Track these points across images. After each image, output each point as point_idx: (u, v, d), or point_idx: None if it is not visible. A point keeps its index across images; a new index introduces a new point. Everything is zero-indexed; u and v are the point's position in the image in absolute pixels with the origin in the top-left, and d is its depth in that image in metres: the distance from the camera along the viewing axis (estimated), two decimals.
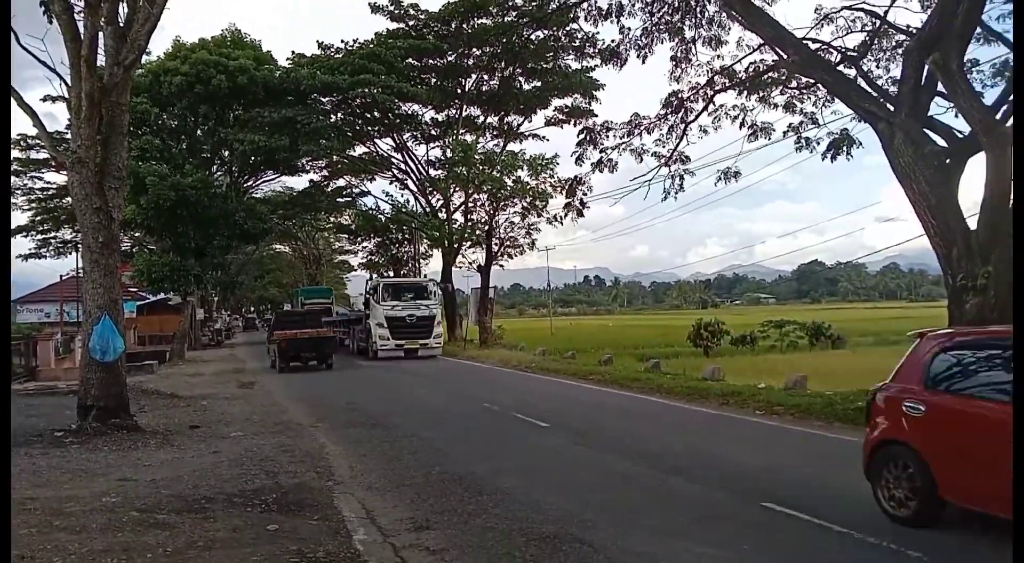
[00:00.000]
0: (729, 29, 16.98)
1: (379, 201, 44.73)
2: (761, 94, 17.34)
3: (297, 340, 28.15)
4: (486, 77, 38.07)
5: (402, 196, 42.28)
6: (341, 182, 46.37)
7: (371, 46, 35.50)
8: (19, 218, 47.68)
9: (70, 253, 47.60)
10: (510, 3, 33.20)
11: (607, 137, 18.43)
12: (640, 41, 17.45)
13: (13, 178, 42.72)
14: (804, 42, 14.31)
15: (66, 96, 13.21)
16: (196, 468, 9.63)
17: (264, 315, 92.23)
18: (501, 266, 38.95)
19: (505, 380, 22.53)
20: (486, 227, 37.16)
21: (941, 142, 12.58)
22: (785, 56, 14.51)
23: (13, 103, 11.92)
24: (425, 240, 40.77)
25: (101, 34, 12.53)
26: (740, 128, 17.45)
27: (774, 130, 17.49)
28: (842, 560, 5.88)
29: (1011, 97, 12.73)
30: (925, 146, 12.16)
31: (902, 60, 13.60)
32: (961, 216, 11.95)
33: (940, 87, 12.60)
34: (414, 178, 40.76)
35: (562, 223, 34.70)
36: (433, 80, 38.20)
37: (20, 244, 48.55)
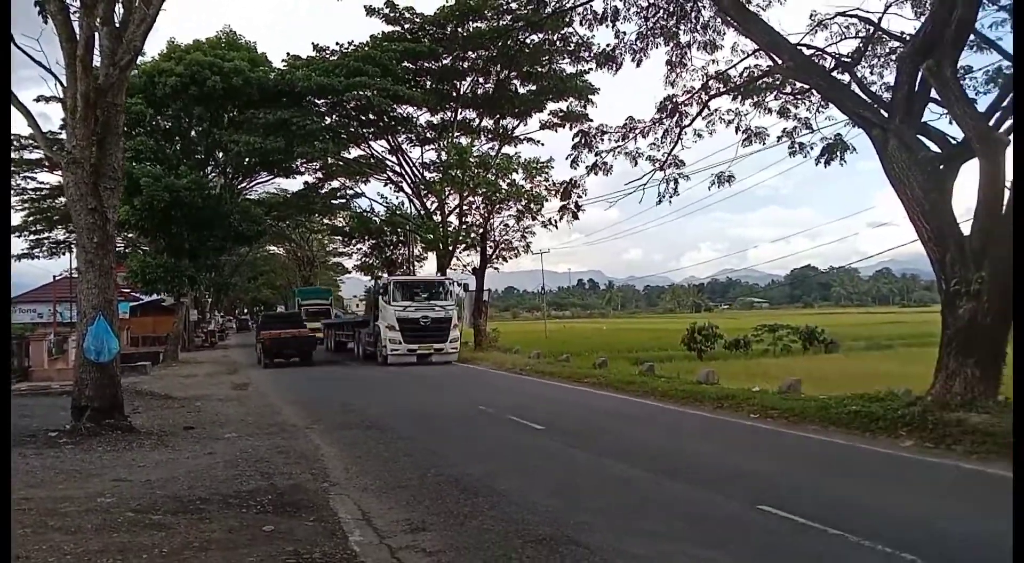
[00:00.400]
0: (724, 34, 17.08)
1: (373, 203, 44.78)
2: (756, 99, 17.41)
3: (280, 339, 31.69)
4: (481, 80, 38.08)
5: (397, 198, 42.29)
6: (335, 184, 46.37)
7: (366, 49, 35.45)
8: (12, 218, 47.57)
9: (63, 253, 47.51)
10: (505, 7, 33.19)
11: (602, 141, 18.45)
12: (635, 45, 17.50)
13: None
14: (799, 48, 14.38)
15: (61, 96, 13.19)
16: (191, 469, 9.62)
17: (258, 317, 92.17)
18: (496, 269, 38.95)
19: (500, 383, 22.55)
20: (481, 230, 37.16)
21: (935, 148, 12.66)
22: (780, 62, 14.58)
23: None
24: (420, 242, 40.70)
25: (97, 35, 12.52)
26: (735, 133, 17.54)
27: (768, 135, 17.58)
28: None
29: (1010, 96, 12.87)
30: (919, 152, 12.25)
31: (896, 66, 13.70)
32: (955, 221, 12.03)
33: (934, 93, 12.68)
34: (409, 180, 40.77)
35: (557, 226, 34.73)
36: (428, 83, 38.19)
37: (13, 244, 48.40)
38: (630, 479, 9.07)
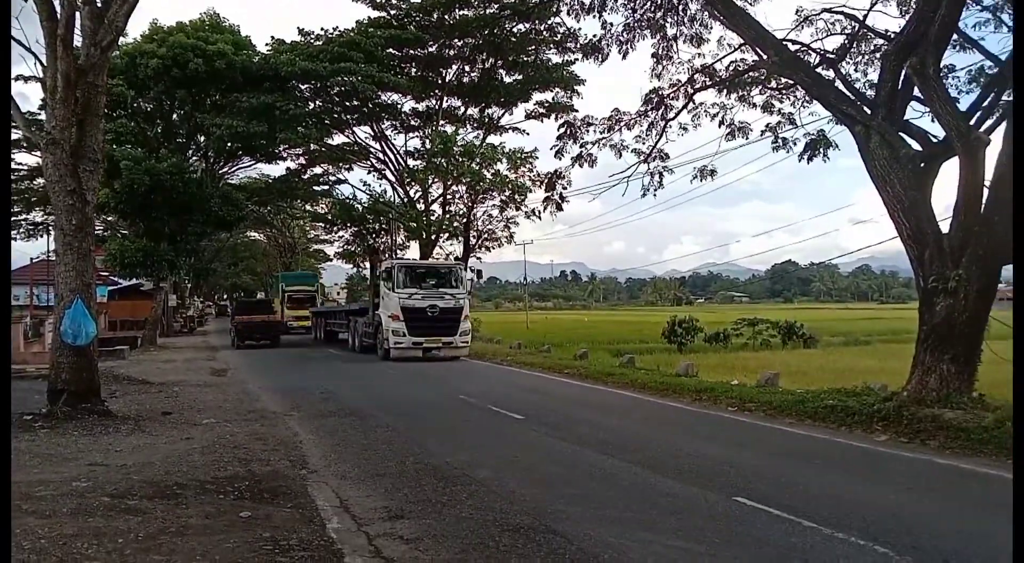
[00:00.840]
0: (711, 28, 17.05)
1: (356, 190, 44.46)
2: (741, 93, 17.44)
3: (251, 324, 35.62)
4: (467, 69, 37.91)
5: (380, 186, 42.07)
6: (318, 170, 46.06)
7: (352, 34, 35.18)
8: None
9: (41, 235, 46.93)
10: None
11: (587, 132, 18.44)
12: (622, 37, 17.45)
13: None
14: (784, 43, 14.41)
15: (40, 76, 13.00)
16: (168, 454, 9.57)
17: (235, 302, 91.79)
18: (478, 259, 38.86)
19: (481, 373, 22.57)
20: (464, 219, 37.07)
21: (916, 146, 12.76)
22: (765, 56, 14.61)
23: None
24: (402, 231, 40.55)
25: (78, 14, 12.35)
26: (719, 126, 17.55)
27: (751, 130, 17.63)
28: (810, 554, 5.97)
29: (991, 94, 13.00)
30: (900, 149, 12.33)
31: (880, 64, 13.75)
32: (934, 219, 12.14)
33: (916, 92, 12.77)
34: (392, 168, 40.56)
35: (540, 217, 34.79)
36: (414, 70, 37.98)
37: None
38: (608, 469, 9.12)
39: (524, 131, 40.52)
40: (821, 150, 15.56)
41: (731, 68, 17.20)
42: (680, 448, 10.45)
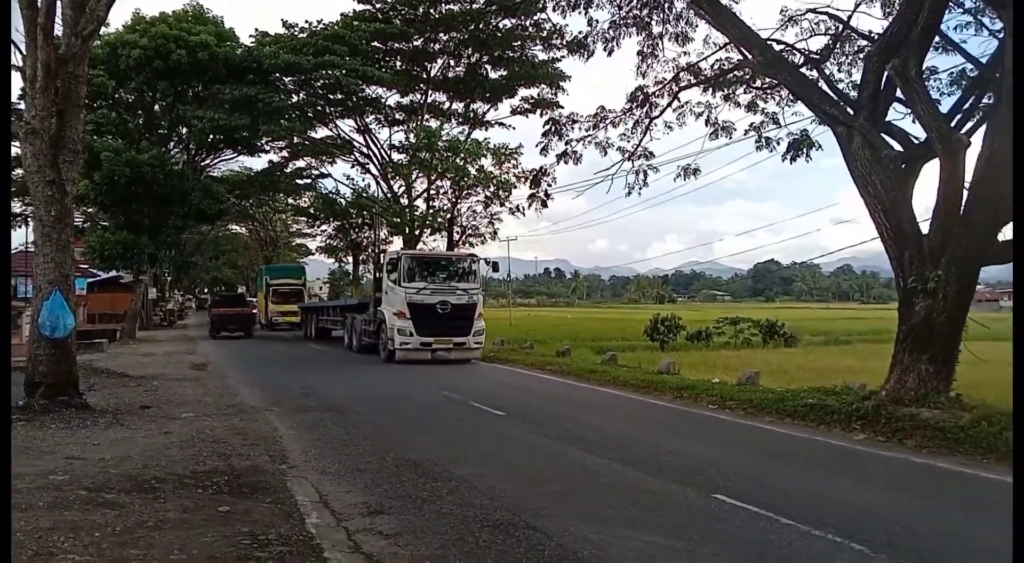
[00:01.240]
0: (696, 26, 17.07)
1: (340, 184, 44.22)
2: (726, 92, 17.50)
3: (226, 316, 38.95)
4: (452, 63, 37.82)
5: (363, 180, 41.89)
6: (301, 163, 45.86)
7: (336, 27, 35.02)
8: None
9: (19, 226, 46.32)
10: None
11: (572, 129, 18.45)
12: (607, 34, 17.45)
13: None
14: (769, 43, 14.47)
15: (20, 65, 12.84)
16: (146, 448, 9.49)
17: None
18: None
19: (463, 369, 22.51)
20: (448, 215, 37.00)
21: (897, 147, 12.84)
22: (750, 56, 14.66)
23: None
24: (386, 226, 40.41)
25: (59, 3, 12.21)
26: (705, 125, 17.61)
27: (735, 129, 17.70)
28: (787, 551, 6.01)
29: (971, 95, 13.12)
30: (882, 150, 12.42)
31: (863, 65, 13.84)
32: (914, 220, 12.23)
33: (898, 93, 12.87)
34: (376, 162, 40.41)
35: (524, 214, 34.72)
36: (398, 64, 37.85)
37: None
38: (589, 466, 9.14)
39: (510, 126, 40.54)
40: (804, 150, 15.64)
41: (716, 67, 17.27)
42: (661, 445, 10.49)
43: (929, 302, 11.51)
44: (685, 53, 17.50)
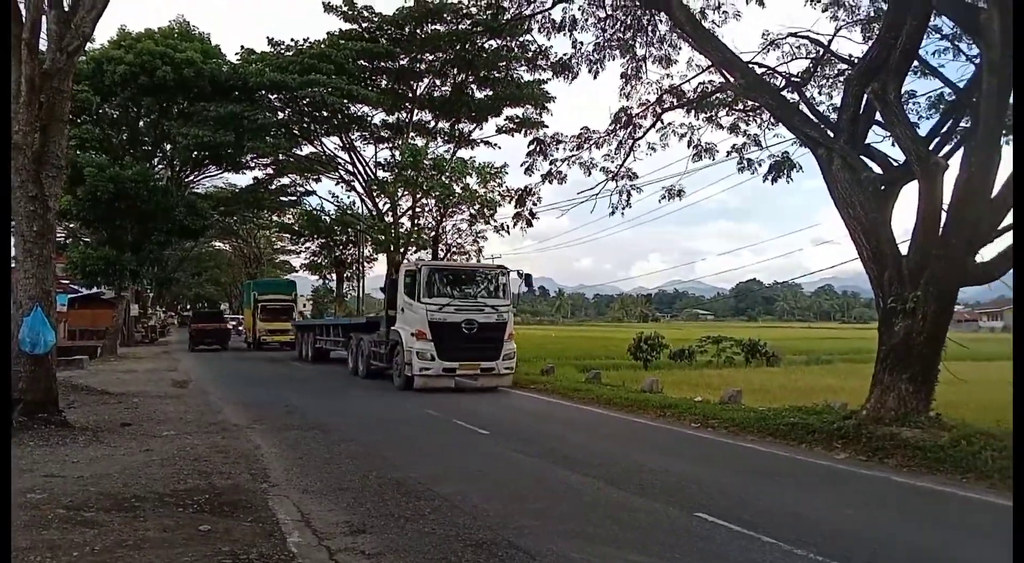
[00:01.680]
0: (680, 49, 17.28)
1: (324, 202, 44.10)
2: (708, 114, 17.69)
3: (204, 330, 43.04)
4: (438, 83, 37.97)
5: (348, 198, 41.83)
6: (286, 181, 45.76)
7: (322, 46, 35.07)
8: None
9: None
10: (464, 11, 33.23)
11: (557, 149, 18.60)
12: (592, 56, 17.66)
13: None
14: (751, 66, 14.68)
15: None
16: (126, 466, 9.40)
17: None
18: None
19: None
20: (433, 233, 36.98)
21: (877, 169, 13.03)
22: (732, 79, 14.86)
23: None
24: (370, 243, 40.31)
25: (44, 18, 12.21)
26: (687, 146, 17.78)
27: (718, 150, 17.89)
28: None
29: (950, 110, 13.32)
30: (861, 172, 12.58)
31: (843, 88, 14.06)
32: (894, 241, 12.38)
33: (878, 116, 13.07)
34: (361, 180, 40.36)
35: (509, 232, 34.64)
36: (384, 83, 37.95)
37: None
38: (572, 484, 9.15)
39: (495, 145, 40.67)
40: (785, 172, 15.85)
41: (699, 89, 17.46)
42: (644, 464, 10.51)
43: (908, 322, 11.63)
44: (668, 75, 17.74)
